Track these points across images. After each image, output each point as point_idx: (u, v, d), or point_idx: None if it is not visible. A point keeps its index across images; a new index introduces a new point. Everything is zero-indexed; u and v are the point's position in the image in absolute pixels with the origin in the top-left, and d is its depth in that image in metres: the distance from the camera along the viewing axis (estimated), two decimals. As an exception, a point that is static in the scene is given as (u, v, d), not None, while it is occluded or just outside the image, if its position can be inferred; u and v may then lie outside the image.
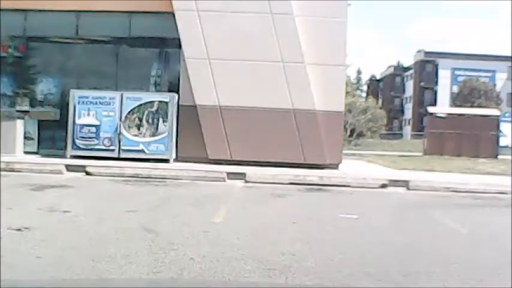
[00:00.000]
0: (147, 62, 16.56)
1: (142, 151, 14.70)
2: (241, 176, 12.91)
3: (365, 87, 79.07)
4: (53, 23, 15.96)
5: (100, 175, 12.79)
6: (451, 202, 11.17)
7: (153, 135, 14.78)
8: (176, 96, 15.09)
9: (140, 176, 12.75)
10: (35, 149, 15.53)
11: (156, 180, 12.45)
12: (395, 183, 12.89)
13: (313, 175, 13.17)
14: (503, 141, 32.91)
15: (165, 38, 16.12)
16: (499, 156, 26.98)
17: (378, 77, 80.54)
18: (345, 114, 18.52)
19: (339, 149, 15.55)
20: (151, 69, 16.50)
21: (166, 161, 14.52)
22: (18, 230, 6.69)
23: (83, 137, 14.68)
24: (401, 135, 64.14)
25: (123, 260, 5.52)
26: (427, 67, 67.00)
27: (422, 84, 67.16)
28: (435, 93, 65.40)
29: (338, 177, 13.31)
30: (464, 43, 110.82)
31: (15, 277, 4.71)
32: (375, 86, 78.00)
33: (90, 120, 14.72)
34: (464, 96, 56.40)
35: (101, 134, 14.71)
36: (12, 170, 12.74)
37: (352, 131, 42.04)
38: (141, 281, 4.03)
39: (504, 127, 34.15)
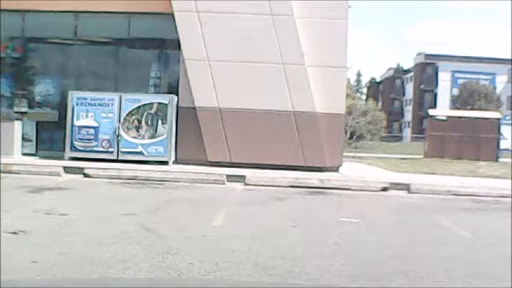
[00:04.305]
0: (147, 63, 16.46)
1: (141, 153, 14.60)
2: (240, 178, 12.82)
3: (365, 90, 79.12)
4: (52, 23, 15.87)
5: (98, 177, 12.70)
6: (452, 205, 11.10)
7: (152, 137, 14.68)
8: (175, 97, 15.00)
9: (139, 178, 12.65)
10: (33, 151, 15.42)
11: (155, 182, 12.36)
12: (396, 186, 12.81)
13: (313, 178, 13.08)
14: (503, 144, 32.85)
15: (164, 39, 16.03)
16: (500, 159, 26.91)
17: (378, 80, 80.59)
18: (345, 116, 18.42)
19: (340, 152, 15.46)
20: (150, 70, 16.41)
21: (165, 163, 14.42)
22: (14, 233, 6.60)
23: (82, 139, 14.57)
24: (401, 138, 64.19)
25: (120, 265, 5.44)
26: (427, 70, 67.00)
27: (422, 86, 67.16)
28: (435, 95, 65.41)
29: (338, 180, 13.22)
30: (465, 46, 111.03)
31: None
32: (375, 88, 78.02)
33: (89, 121, 14.62)
34: (464, 98, 56.39)
35: (100, 136, 14.60)
36: (10, 172, 12.65)
37: (352, 134, 41.95)
38: (141, 281, 3.94)
39: (504, 130, 34.08)
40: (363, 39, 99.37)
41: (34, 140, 15.69)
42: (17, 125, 15.19)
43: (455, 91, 60.79)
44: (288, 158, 14.78)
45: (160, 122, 14.66)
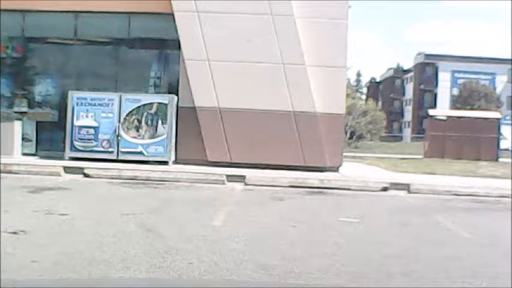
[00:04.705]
0: (147, 63, 16.46)
1: (141, 153, 14.60)
2: (240, 178, 12.82)
3: (365, 90, 79.08)
4: (52, 23, 15.88)
5: (98, 177, 12.69)
6: (452, 205, 11.09)
7: (152, 137, 14.68)
8: (175, 97, 15.00)
9: (139, 178, 12.65)
10: (33, 151, 15.41)
11: (155, 182, 12.36)
12: (396, 186, 12.80)
13: (313, 178, 13.08)
14: (503, 144, 32.86)
15: (164, 39, 16.03)
16: (500, 159, 26.90)
17: (378, 80, 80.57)
18: (345, 116, 18.42)
19: (340, 152, 15.45)
20: (150, 70, 16.41)
21: (165, 163, 14.42)
22: (14, 233, 6.59)
23: (82, 139, 14.57)
24: (401, 138, 64.19)
25: (120, 264, 5.44)
26: (427, 69, 67.01)
27: (422, 86, 67.17)
28: (435, 95, 65.43)
29: (338, 180, 13.22)
30: (465, 46, 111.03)
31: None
32: (375, 88, 78.00)
33: (89, 121, 14.62)
34: (464, 98, 56.38)
35: (100, 136, 14.60)
36: (10, 172, 12.65)
37: (352, 134, 41.98)
38: (141, 281, 3.94)
39: (505, 130, 34.10)
40: (363, 39, 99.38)
41: (34, 140, 15.68)
42: (17, 125, 15.19)
43: (455, 91, 60.79)
44: (288, 158, 14.78)
45: (160, 122, 14.66)
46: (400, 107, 74.35)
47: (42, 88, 16.36)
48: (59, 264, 5.41)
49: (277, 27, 14.87)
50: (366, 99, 62.45)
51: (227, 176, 12.89)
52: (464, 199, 11.85)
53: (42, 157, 14.80)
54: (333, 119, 14.99)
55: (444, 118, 29.58)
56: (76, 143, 14.59)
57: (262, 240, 6.94)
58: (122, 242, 6.36)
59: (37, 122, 15.82)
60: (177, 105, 14.95)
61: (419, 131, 55.74)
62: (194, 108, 15.01)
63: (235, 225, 7.96)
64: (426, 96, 66.70)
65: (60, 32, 16.24)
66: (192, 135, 14.90)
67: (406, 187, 12.71)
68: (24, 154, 15.03)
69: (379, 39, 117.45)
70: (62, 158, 14.44)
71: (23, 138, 15.29)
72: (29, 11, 15.61)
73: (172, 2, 14.92)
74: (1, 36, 15.80)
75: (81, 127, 14.61)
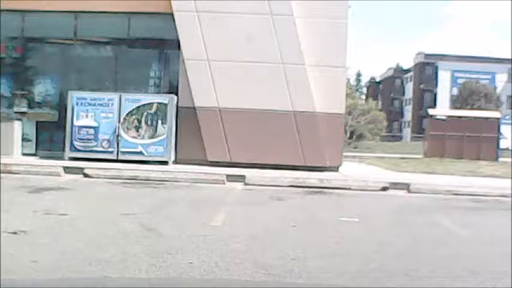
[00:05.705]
0: (146, 63, 16.47)
1: (141, 153, 14.61)
2: (240, 178, 12.83)
3: (365, 89, 79.05)
4: (52, 24, 15.88)
5: (98, 177, 12.70)
6: (452, 205, 11.09)
7: (152, 137, 14.68)
8: (175, 97, 15.01)
9: (139, 178, 12.65)
10: (33, 151, 15.43)
11: (155, 182, 12.36)
12: (396, 185, 12.80)
13: (313, 178, 13.08)
14: (503, 144, 32.87)
15: (164, 39, 16.04)
16: (500, 159, 26.91)
17: (378, 79, 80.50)
18: (345, 116, 18.43)
19: (339, 151, 15.46)
20: (150, 70, 16.42)
21: (165, 163, 14.43)
22: (14, 233, 6.59)
23: (81, 139, 14.58)
24: (401, 138, 64.19)
25: (120, 264, 5.44)
26: (426, 69, 66.98)
27: (422, 86, 67.16)
28: (435, 95, 65.41)
29: (338, 179, 13.22)
30: (465, 45, 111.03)
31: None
32: (375, 88, 77.98)
33: (89, 121, 14.62)
34: (464, 98, 56.33)
35: (100, 136, 14.61)
36: (10, 172, 12.64)
37: (352, 133, 42.00)
38: (141, 281, 3.94)
39: (504, 129, 34.09)
40: (363, 38, 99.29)
41: (34, 140, 15.70)
42: (17, 125, 15.20)
43: (455, 91, 60.75)
44: (288, 158, 14.78)
45: (160, 122, 14.67)
46: (400, 107, 74.34)
47: (42, 88, 16.36)
48: (59, 264, 5.41)
49: (277, 27, 14.88)
50: (366, 99, 62.44)
51: (227, 176, 12.89)
52: (464, 199, 11.85)
53: (42, 157, 14.82)
54: (333, 119, 14.99)
55: (444, 118, 29.60)
56: (76, 143, 14.60)
57: (262, 240, 6.94)
58: (121, 242, 6.36)
59: (37, 122, 15.84)
60: (177, 105, 14.96)
61: (419, 131, 55.73)
62: (194, 108, 15.02)
63: (235, 225, 7.96)
64: (426, 95, 66.68)
65: (60, 32, 16.24)
66: (192, 135, 14.91)
67: (406, 187, 12.71)
68: (24, 154, 15.05)
69: (379, 39, 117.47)
70: (61, 158, 14.45)
71: (23, 138, 15.30)
72: (29, 11, 15.62)
73: (172, 2, 14.93)
74: (1, 36, 15.81)
75: (81, 127, 14.62)
